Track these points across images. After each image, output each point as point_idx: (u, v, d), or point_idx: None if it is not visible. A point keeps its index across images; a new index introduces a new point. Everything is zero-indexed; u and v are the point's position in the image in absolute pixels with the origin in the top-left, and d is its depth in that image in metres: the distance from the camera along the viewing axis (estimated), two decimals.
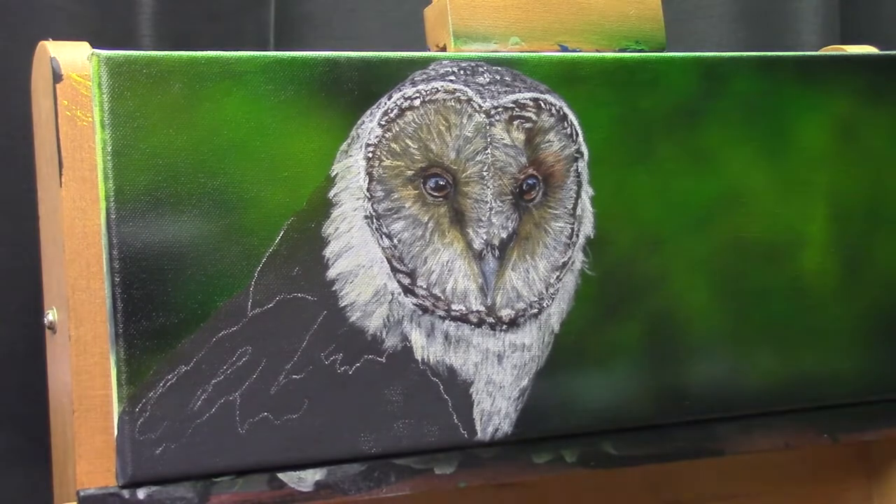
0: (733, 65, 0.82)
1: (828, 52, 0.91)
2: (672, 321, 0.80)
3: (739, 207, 0.82)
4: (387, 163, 0.74)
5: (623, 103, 0.79)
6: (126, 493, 0.69)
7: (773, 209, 0.83)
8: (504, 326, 0.76)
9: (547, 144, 0.77)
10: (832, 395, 0.85)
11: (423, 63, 0.75)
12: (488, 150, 0.75)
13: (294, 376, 0.71)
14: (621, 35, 0.84)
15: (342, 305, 0.73)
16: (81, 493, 0.69)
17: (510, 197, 0.76)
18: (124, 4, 1.04)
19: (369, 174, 0.73)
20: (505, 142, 0.75)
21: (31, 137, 0.79)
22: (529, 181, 0.76)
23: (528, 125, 0.76)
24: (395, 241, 0.74)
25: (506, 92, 0.76)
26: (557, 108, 0.77)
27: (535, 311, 0.76)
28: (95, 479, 0.69)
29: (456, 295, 0.75)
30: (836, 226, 0.85)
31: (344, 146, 0.73)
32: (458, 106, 0.75)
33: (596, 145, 0.78)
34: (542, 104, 0.77)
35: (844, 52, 0.90)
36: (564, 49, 0.83)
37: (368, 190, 0.73)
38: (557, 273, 0.77)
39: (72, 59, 0.71)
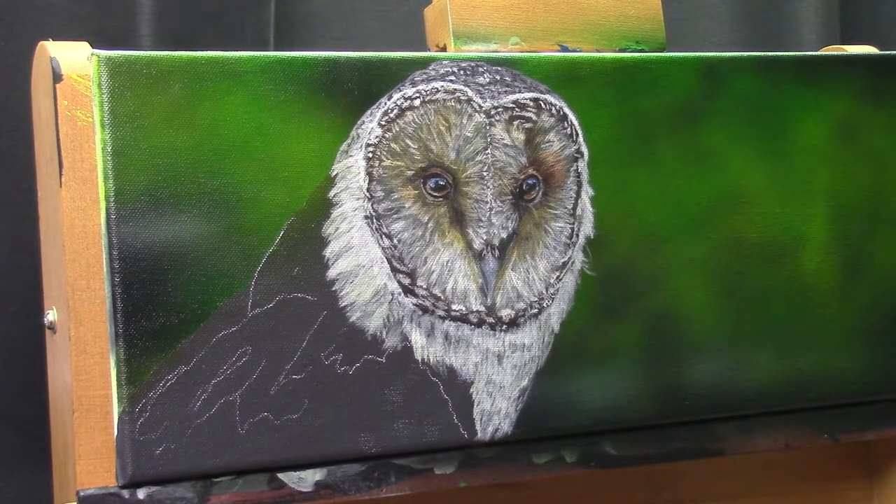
0: (733, 65, 0.82)
1: (828, 52, 0.91)
2: (672, 321, 0.80)
3: (739, 207, 0.82)
4: (387, 163, 0.74)
5: (623, 103, 0.79)
6: (126, 493, 0.69)
7: (773, 209, 0.83)
8: (504, 326, 0.76)
9: (547, 144, 0.77)
10: (832, 395, 0.85)
11: (423, 63, 0.75)
12: (488, 150, 0.75)
13: (294, 376, 0.71)
14: (621, 35, 0.84)
15: (342, 305, 0.73)
16: (81, 493, 0.69)
17: (510, 197, 0.76)
18: (124, 4, 1.04)
19: (369, 174, 0.73)
20: (505, 142, 0.76)
21: (31, 137, 0.79)
22: (529, 181, 0.76)
23: (528, 125, 0.76)
24: (395, 241, 0.74)
25: (506, 92, 0.76)
26: (557, 108, 0.77)
27: (535, 311, 0.76)
28: (95, 479, 0.69)
29: (456, 295, 0.75)
30: (836, 226, 0.85)
31: (344, 146, 0.73)
32: (458, 106, 0.75)
33: (596, 145, 0.78)
34: (543, 104, 0.77)
35: (844, 52, 0.90)
36: (564, 49, 0.83)
37: (368, 190, 0.73)
38: (557, 273, 0.77)
39: (72, 59, 0.71)
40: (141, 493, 0.69)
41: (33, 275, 0.86)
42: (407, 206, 0.74)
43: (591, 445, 0.79)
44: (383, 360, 0.73)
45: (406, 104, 0.74)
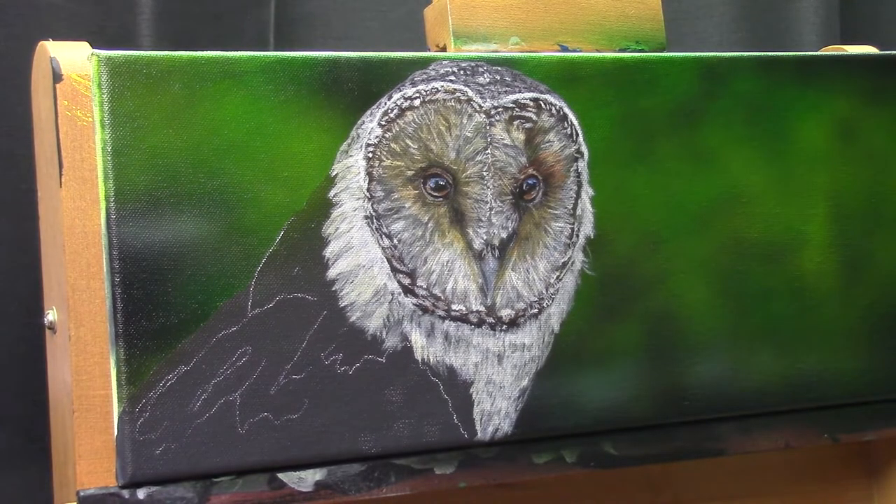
0: (733, 65, 0.82)
1: (828, 52, 0.91)
2: (672, 321, 0.80)
3: (739, 207, 0.82)
4: (387, 163, 0.74)
5: (623, 103, 0.79)
6: (126, 493, 0.69)
7: (773, 209, 0.83)
8: (504, 326, 0.76)
9: (547, 144, 0.77)
10: (832, 395, 0.85)
11: (423, 63, 0.75)
12: (488, 150, 0.75)
13: (294, 376, 0.71)
14: (621, 35, 0.84)
15: (342, 305, 0.73)
16: (81, 493, 0.69)
17: (510, 197, 0.76)
18: (124, 4, 1.04)
19: (369, 174, 0.73)
20: (505, 142, 0.76)
21: (31, 137, 0.79)
22: (529, 181, 0.76)
23: (528, 125, 0.76)
24: (395, 241, 0.74)
25: (506, 92, 0.76)
26: (557, 108, 0.77)
27: (535, 311, 0.76)
28: (95, 479, 0.69)
29: (456, 295, 0.75)
30: (836, 226, 0.85)
31: (344, 146, 0.73)
32: (458, 106, 0.75)
33: (596, 145, 0.78)
34: (543, 104, 0.77)
35: (844, 52, 0.90)
36: (564, 49, 0.83)
37: (368, 190, 0.73)
38: (557, 273, 0.77)
39: (72, 59, 0.71)
40: (141, 493, 0.69)
41: (33, 275, 0.86)
42: (407, 206, 0.74)
43: (591, 445, 0.79)
44: (383, 360, 0.73)
45: (406, 104, 0.74)
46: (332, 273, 0.72)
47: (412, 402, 0.74)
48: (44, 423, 0.83)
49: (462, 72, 0.75)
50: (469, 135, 0.75)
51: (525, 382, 0.76)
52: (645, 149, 0.79)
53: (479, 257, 0.75)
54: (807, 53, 0.87)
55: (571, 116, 0.77)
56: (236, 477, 0.71)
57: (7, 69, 0.98)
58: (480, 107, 0.75)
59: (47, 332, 0.77)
